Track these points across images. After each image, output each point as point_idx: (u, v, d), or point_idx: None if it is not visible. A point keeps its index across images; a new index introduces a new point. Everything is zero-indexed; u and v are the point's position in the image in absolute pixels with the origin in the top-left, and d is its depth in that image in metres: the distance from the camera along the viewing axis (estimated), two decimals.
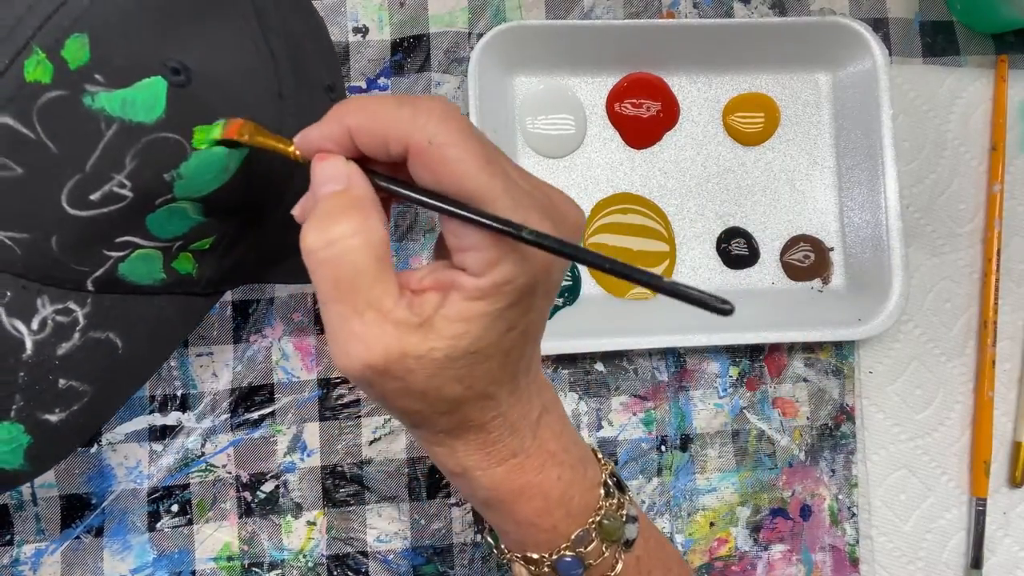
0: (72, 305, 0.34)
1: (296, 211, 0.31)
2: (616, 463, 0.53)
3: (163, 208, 0.33)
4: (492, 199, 0.28)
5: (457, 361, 0.29)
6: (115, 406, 0.37)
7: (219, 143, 0.32)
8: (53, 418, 0.35)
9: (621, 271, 0.27)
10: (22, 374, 0.34)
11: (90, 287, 0.34)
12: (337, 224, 0.28)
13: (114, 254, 0.33)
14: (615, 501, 0.35)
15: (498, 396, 0.32)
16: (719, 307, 0.27)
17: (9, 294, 0.33)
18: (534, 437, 0.33)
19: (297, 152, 0.31)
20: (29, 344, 0.33)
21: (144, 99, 0.31)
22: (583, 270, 0.55)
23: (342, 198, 0.29)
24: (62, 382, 0.34)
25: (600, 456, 0.38)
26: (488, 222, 0.27)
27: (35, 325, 0.33)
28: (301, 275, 0.30)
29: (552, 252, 0.28)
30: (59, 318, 0.34)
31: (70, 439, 0.36)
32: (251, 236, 0.37)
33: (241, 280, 0.40)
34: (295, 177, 0.36)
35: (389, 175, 0.30)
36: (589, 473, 0.35)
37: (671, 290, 0.27)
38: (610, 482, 0.36)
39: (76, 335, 0.34)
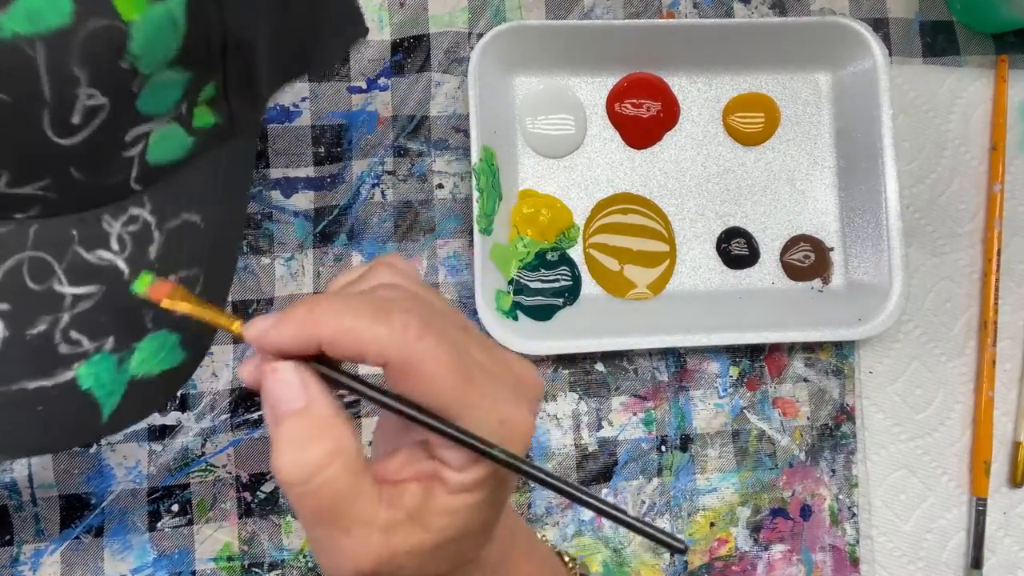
0: (134, 211, 0.34)
1: (243, 375, 0.29)
2: (616, 463, 0.53)
3: (145, 89, 0.31)
4: (468, 410, 0.28)
5: (445, 548, 0.29)
6: (230, 271, 0.37)
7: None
8: None
9: (581, 499, 0.28)
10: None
11: (137, 187, 0.34)
12: (308, 452, 0.27)
13: (134, 151, 0.33)
14: None
15: (480, 554, 0.32)
16: (675, 546, 0.28)
17: (75, 232, 0.33)
18: (508, 569, 0.33)
19: (240, 335, 0.29)
20: (123, 264, 0.34)
21: (44, 1, 0.28)
22: (583, 270, 0.55)
23: (307, 420, 0.28)
24: (172, 278, 0.34)
25: (566, 558, 0.37)
26: (463, 438, 0.27)
27: (116, 246, 0.33)
28: (333, 50, 0.32)
29: (518, 472, 0.28)
30: (131, 228, 0.34)
31: None
32: (249, 56, 0.36)
33: (272, 91, 0.39)
34: None
35: (352, 376, 0.29)
36: None
37: (631, 525, 0.28)
38: None
39: (156, 234, 0.34)
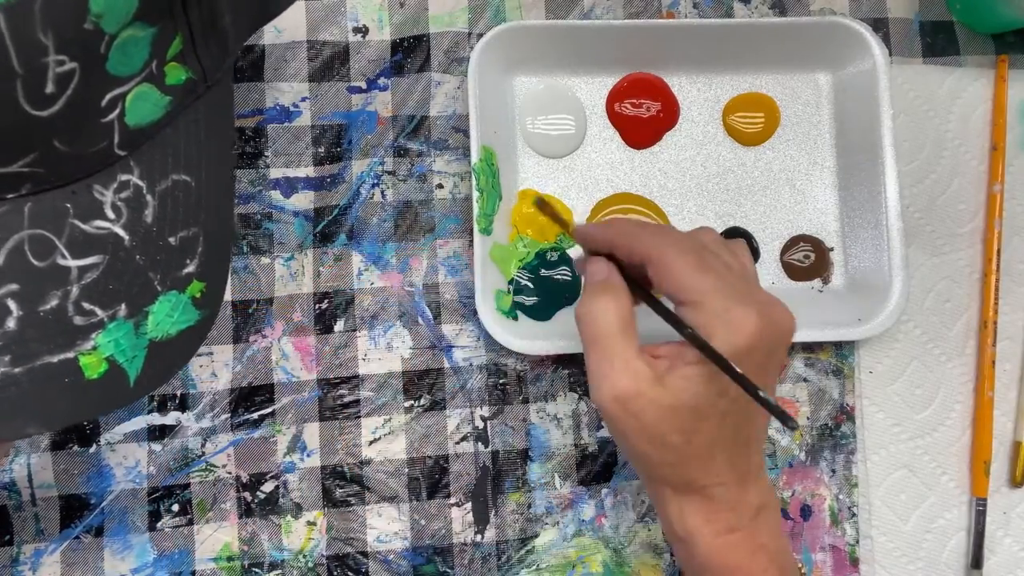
0: (123, 177, 0.34)
1: (578, 264, 0.45)
2: (616, 463, 0.53)
3: (113, 50, 0.32)
4: (703, 293, 0.38)
5: (680, 412, 0.37)
6: (229, 228, 0.38)
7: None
8: (191, 268, 0.36)
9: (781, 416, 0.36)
10: (138, 257, 0.35)
11: (121, 153, 0.34)
12: (599, 299, 0.39)
13: (112, 115, 0.33)
14: None
15: (717, 461, 0.39)
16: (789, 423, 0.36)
17: (69, 205, 0.33)
18: (752, 523, 0.40)
19: (572, 235, 0.44)
20: (121, 231, 0.34)
21: None
22: None
23: (604, 284, 0.40)
24: (172, 240, 0.35)
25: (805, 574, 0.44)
26: (682, 326, 0.38)
27: (111, 214, 0.34)
28: None
29: (730, 376, 0.37)
30: (123, 194, 0.34)
31: (219, 271, 0.38)
32: (212, 5, 0.36)
33: (240, 39, 0.39)
34: None
35: (632, 278, 0.41)
36: None
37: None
38: None
39: (149, 197, 0.35)
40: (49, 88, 0.30)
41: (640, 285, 0.41)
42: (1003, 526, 0.54)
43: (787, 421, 0.36)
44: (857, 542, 0.54)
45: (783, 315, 0.40)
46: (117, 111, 0.33)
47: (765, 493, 0.41)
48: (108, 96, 0.33)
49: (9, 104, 0.30)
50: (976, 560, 0.53)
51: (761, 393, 0.36)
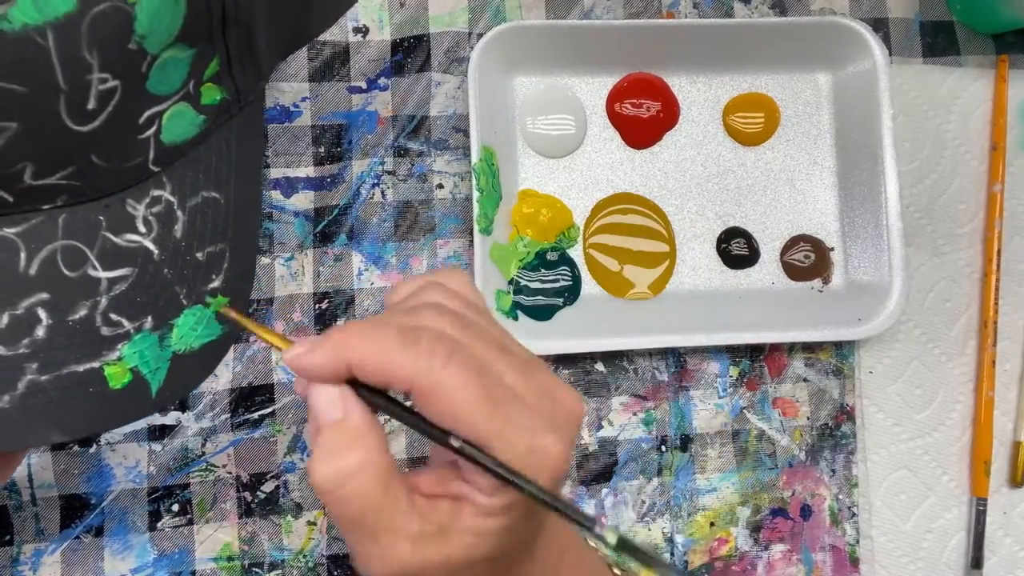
0: (155, 192, 0.35)
1: (298, 388, 0.32)
2: (616, 463, 0.53)
3: (153, 69, 0.32)
4: (494, 436, 0.28)
5: (477, 566, 0.30)
6: (254, 245, 0.39)
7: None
8: (216, 283, 0.37)
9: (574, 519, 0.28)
10: (166, 271, 0.35)
11: (155, 169, 0.35)
12: (341, 459, 0.28)
13: (149, 132, 0.34)
14: None
15: (522, 570, 0.32)
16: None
17: (102, 218, 0.34)
18: None
19: (287, 363, 0.31)
20: (151, 245, 0.35)
21: None
22: (583, 270, 0.55)
23: (342, 430, 0.29)
24: (199, 255, 0.36)
25: (616, 571, 0.38)
26: (488, 463, 0.28)
27: (142, 228, 0.35)
28: (327, 18, 0.36)
29: (537, 501, 0.28)
30: (155, 209, 0.35)
31: (243, 287, 0.38)
32: (249, 28, 0.36)
33: (274, 62, 0.40)
34: None
35: (386, 397, 0.30)
36: None
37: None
38: None
39: (179, 213, 0.36)
40: (91, 104, 0.31)
41: (389, 397, 0.30)
42: (1003, 526, 0.54)
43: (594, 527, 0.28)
44: (857, 542, 0.54)
45: (574, 406, 0.31)
46: (154, 128, 0.34)
47: (561, 535, 0.35)
48: (146, 114, 0.33)
49: (51, 119, 0.30)
50: (976, 560, 0.53)
51: (597, 530, 0.28)
